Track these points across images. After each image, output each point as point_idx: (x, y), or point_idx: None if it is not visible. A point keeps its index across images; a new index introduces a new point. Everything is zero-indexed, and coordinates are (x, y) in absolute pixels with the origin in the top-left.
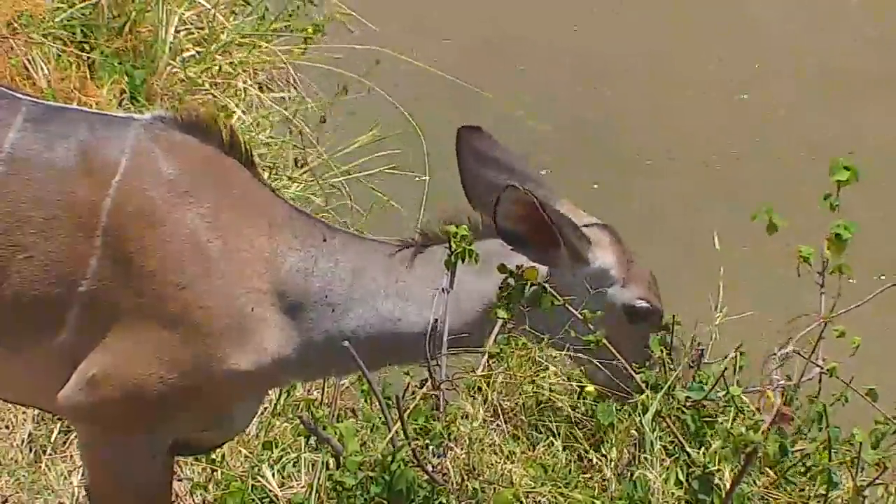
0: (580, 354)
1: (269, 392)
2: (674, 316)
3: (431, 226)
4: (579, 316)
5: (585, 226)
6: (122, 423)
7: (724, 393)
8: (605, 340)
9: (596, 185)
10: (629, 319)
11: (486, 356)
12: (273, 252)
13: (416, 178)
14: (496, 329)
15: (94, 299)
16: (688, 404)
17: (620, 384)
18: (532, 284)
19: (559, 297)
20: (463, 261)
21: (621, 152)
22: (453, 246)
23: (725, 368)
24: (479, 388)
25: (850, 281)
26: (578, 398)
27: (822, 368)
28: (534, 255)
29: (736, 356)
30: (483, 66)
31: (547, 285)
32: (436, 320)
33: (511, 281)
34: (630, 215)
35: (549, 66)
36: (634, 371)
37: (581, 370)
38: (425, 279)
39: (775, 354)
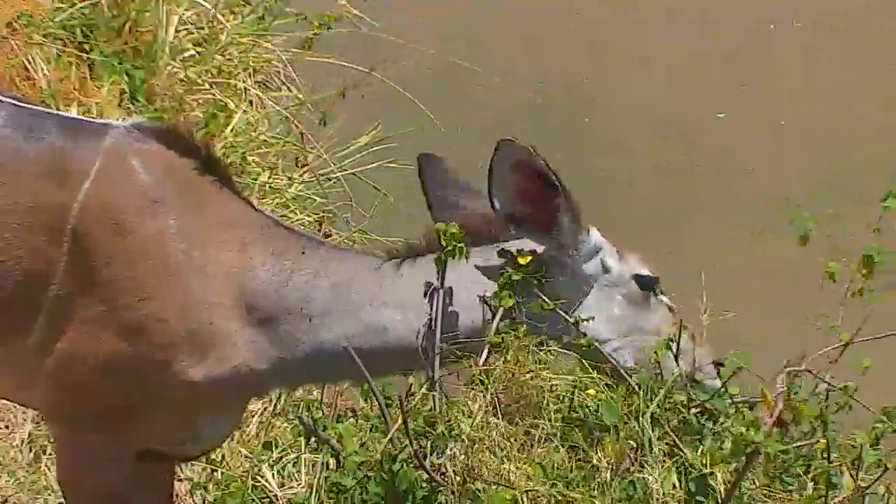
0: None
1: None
2: (681, 320)
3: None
4: (567, 316)
5: None
6: (82, 426)
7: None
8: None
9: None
10: (641, 288)
11: (486, 351)
12: (242, 266)
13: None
14: (496, 319)
15: (60, 304)
16: (689, 405)
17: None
18: (533, 271)
19: (567, 283)
20: (454, 258)
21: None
22: (443, 243)
23: (733, 371)
24: (481, 381)
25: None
26: (573, 397)
27: (833, 387)
28: (534, 234)
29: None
30: (480, 64)
31: (542, 280)
32: (429, 320)
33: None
34: (658, 215)
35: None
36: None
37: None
38: (413, 289)
39: (784, 370)
